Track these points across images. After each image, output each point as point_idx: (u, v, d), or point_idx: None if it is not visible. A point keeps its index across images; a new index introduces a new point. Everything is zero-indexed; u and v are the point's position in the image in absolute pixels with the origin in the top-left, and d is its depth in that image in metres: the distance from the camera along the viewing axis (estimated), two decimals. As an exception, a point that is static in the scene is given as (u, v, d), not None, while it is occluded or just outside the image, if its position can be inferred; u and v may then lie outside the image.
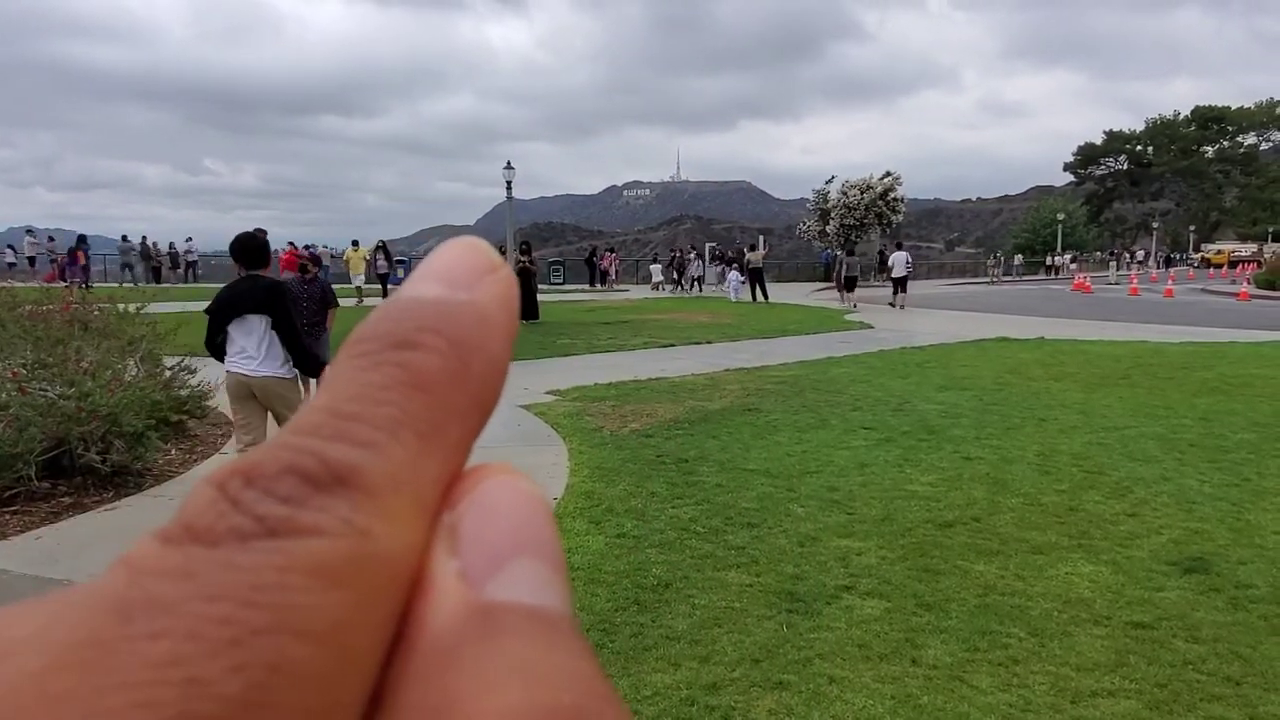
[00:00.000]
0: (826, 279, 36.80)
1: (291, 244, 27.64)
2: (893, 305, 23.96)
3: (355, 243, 26.05)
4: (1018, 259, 59.18)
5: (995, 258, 51.95)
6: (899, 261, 24.79)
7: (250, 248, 5.40)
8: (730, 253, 38.30)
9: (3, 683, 0.14)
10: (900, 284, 24.50)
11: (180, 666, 0.14)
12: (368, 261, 25.44)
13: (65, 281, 23.07)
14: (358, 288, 23.74)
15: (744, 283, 27.14)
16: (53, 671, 0.14)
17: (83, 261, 30.27)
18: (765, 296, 26.45)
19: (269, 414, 5.48)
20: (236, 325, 5.25)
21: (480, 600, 0.18)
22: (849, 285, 25.35)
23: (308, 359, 5.44)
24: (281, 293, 5.36)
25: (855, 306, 23.84)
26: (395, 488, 0.18)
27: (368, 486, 0.17)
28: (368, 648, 0.17)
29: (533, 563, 0.19)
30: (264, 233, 8.80)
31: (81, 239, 31.54)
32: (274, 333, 5.24)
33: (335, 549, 0.16)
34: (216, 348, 5.37)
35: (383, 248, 27.41)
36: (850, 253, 29.21)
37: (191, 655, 0.15)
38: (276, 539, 0.16)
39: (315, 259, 9.94)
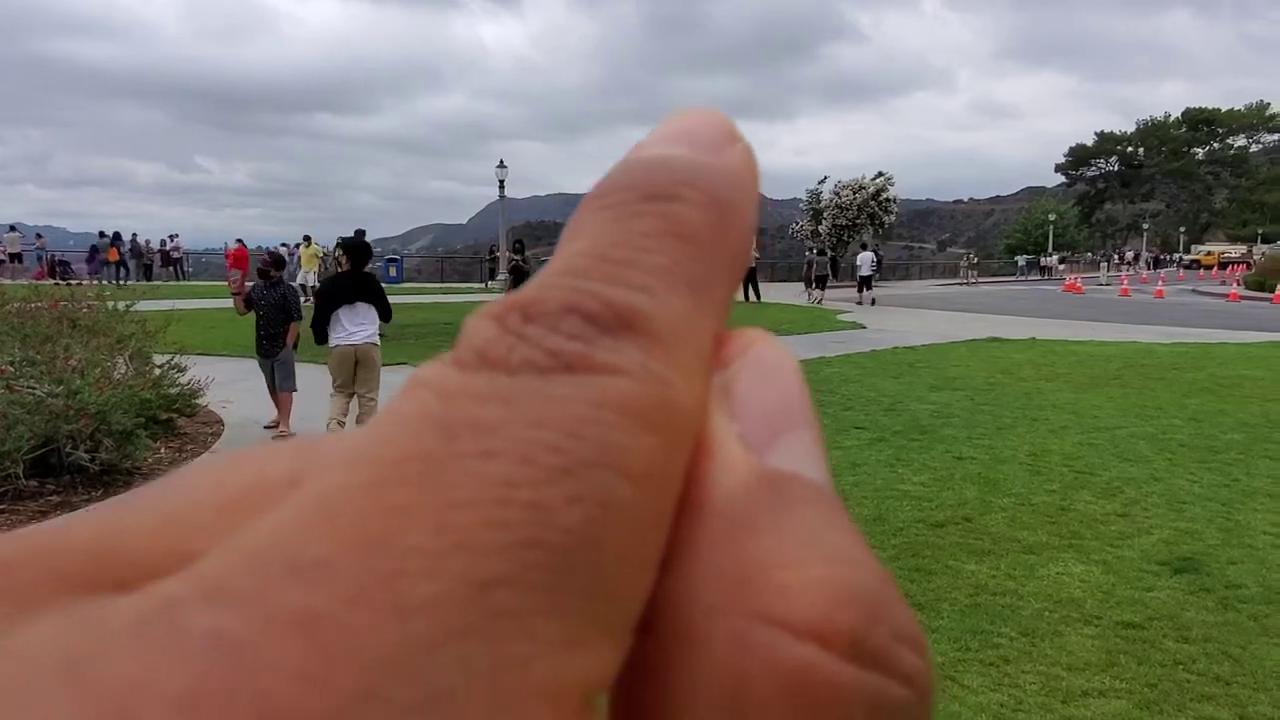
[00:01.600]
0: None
1: (240, 240, 27.41)
2: (859, 303, 25.46)
3: (307, 238, 25.28)
4: (1019, 259, 59.47)
5: (969, 259, 52.15)
6: (865, 261, 27.11)
7: (358, 248, 7.03)
8: None
9: (333, 492, 0.14)
10: (865, 282, 26.49)
11: (521, 489, 0.14)
12: (321, 259, 24.41)
13: (89, 279, 22.88)
14: (302, 285, 22.26)
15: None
16: (388, 484, 0.14)
17: (116, 258, 30.01)
18: (758, 296, 26.75)
19: (355, 377, 6.87)
20: (346, 309, 6.73)
21: (769, 468, 0.17)
22: (820, 283, 26.85)
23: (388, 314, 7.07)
24: (378, 283, 7.19)
25: (820, 303, 25.50)
26: (679, 337, 0.17)
27: (655, 333, 0.16)
28: (673, 499, 0.16)
29: (806, 434, 0.18)
30: (363, 232, 9.83)
31: (117, 236, 31.24)
32: (374, 311, 6.89)
33: (643, 392, 0.15)
34: (321, 327, 6.76)
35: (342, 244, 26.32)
36: (821, 253, 29.89)
37: (529, 479, 0.14)
38: (577, 374, 0.15)
39: (277, 260, 8.37)
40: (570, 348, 0.15)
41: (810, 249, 34.94)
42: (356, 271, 6.87)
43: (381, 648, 0.12)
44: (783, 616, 0.15)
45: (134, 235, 35.17)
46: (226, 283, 21.45)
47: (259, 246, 26.99)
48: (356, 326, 6.75)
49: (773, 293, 28.95)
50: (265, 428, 7.78)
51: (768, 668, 0.15)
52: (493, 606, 0.13)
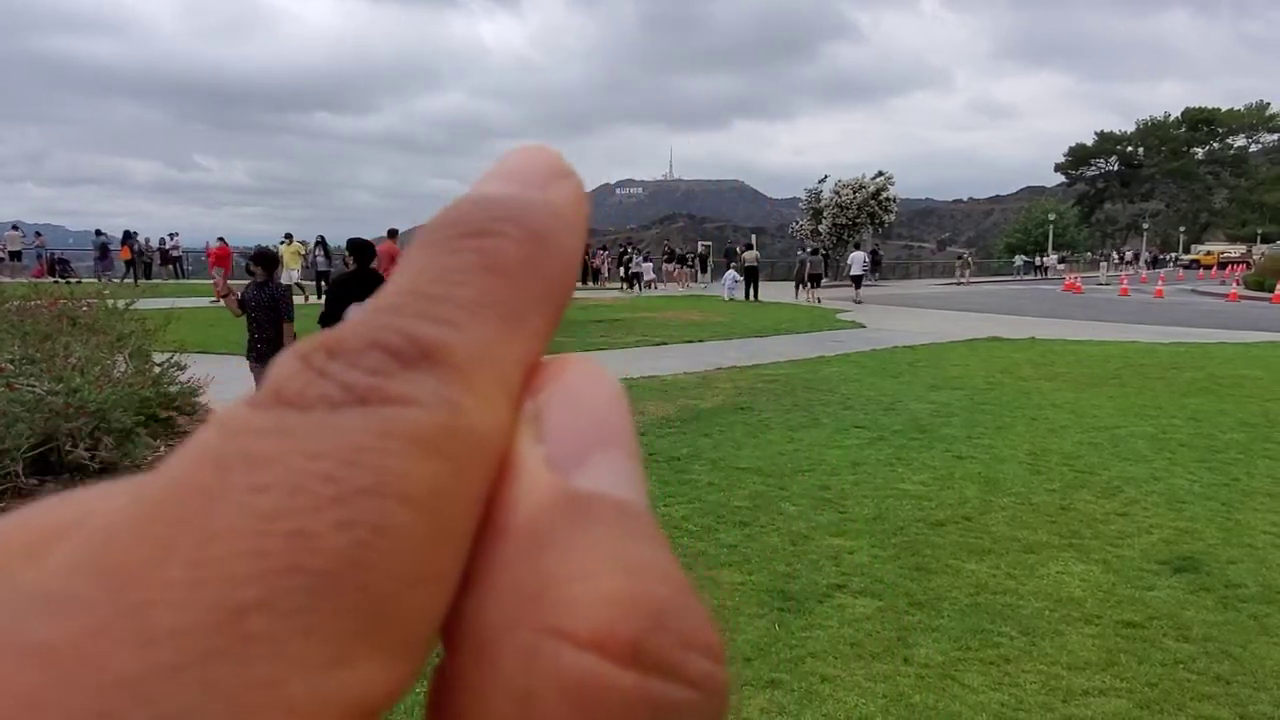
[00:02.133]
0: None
1: (221, 239, 27.20)
2: (857, 301, 26.27)
3: (288, 236, 25.11)
4: (1018, 259, 59.35)
5: (962, 258, 52.12)
6: (856, 261, 28.35)
7: (363, 246, 7.61)
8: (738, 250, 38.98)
9: (101, 528, 0.15)
10: (857, 281, 27.51)
11: (286, 519, 0.14)
12: (303, 257, 24.34)
13: (102, 278, 22.75)
14: (292, 284, 22.52)
15: (739, 281, 27.48)
16: (154, 519, 0.14)
17: (128, 256, 29.91)
18: (756, 295, 26.81)
19: None
20: (357, 305, 7.00)
21: (570, 487, 0.17)
22: (813, 282, 27.39)
23: None
24: (384, 279, 7.59)
25: (819, 301, 26.04)
26: (481, 365, 0.17)
27: (455, 362, 0.17)
28: (464, 521, 0.17)
29: (617, 454, 0.19)
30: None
31: (128, 235, 31.12)
32: None
33: (430, 419, 0.16)
34: (333, 321, 7.04)
35: (321, 242, 25.86)
36: (814, 252, 30.25)
37: (296, 509, 0.14)
38: (369, 407, 0.16)
39: (262, 258, 7.87)
40: (366, 381, 0.16)
41: (801, 248, 35.03)
42: (363, 269, 7.49)
43: (120, 673, 0.13)
44: (567, 628, 0.15)
45: (133, 233, 35.13)
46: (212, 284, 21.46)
47: (258, 246, 26.78)
48: None
49: (772, 292, 28.94)
50: None
51: (551, 678, 0.15)
52: (243, 631, 0.14)
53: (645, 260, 35.53)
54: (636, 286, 33.49)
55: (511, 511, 0.17)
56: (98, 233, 32.28)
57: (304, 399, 0.16)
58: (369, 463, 0.15)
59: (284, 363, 0.17)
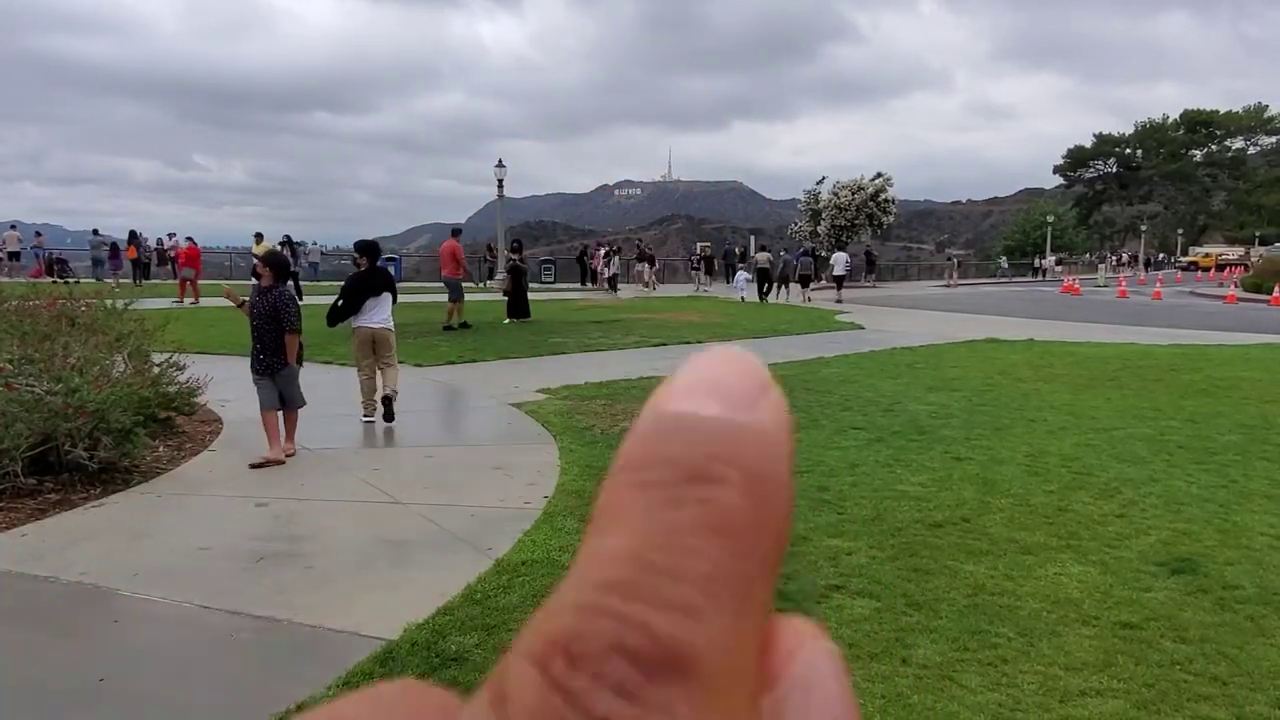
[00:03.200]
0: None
1: (190, 239, 27.00)
2: (838, 300, 26.95)
3: (259, 236, 24.90)
4: (1003, 261, 59.29)
5: (950, 260, 52.09)
6: (839, 261, 28.99)
7: (371, 247, 8.21)
8: (738, 251, 39.07)
9: None
10: (839, 281, 28.19)
11: None
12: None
13: (113, 277, 22.62)
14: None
15: (751, 280, 27.85)
16: None
17: (134, 256, 29.80)
18: (764, 296, 27.10)
19: (375, 355, 8.03)
20: (373, 299, 7.91)
21: None
22: (803, 282, 27.90)
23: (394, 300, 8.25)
24: (391, 276, 8.41)
25: (809, 300, 26.71)
26: (726, 672, 0.15)
27: (703, 672, 0.15)
28: None
29: None
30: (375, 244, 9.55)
31: (133, 235, 31.02)
32: (391, 301, 8.12)
33: None
34: (345, 316, 7.91)
35: (288, 243, 25.42)
36: (806, 253, 30.67)
37: None
38: None
39: (271, 261, 6.96)
40: (619, 711, 0.15)
41: (786, 248, 35.12)
42: (373, 267, 8.03)
43: None
44: None
45: (133, 232, 35.06)
46: (176, 283, 21.17)
47: (188, 240, 26.44)
48: (375, 313, 7.96)
49: (771, 292, 28.92)
50: (252, 466, 6.42)
51: None
52: None
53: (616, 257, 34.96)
54: (608, 287, 33.21)
55: None
56: (94, 232, 32.21)
57: None
58: None
59: (521, 674, 0.15)
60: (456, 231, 17.83)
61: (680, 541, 0.16)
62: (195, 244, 25.65)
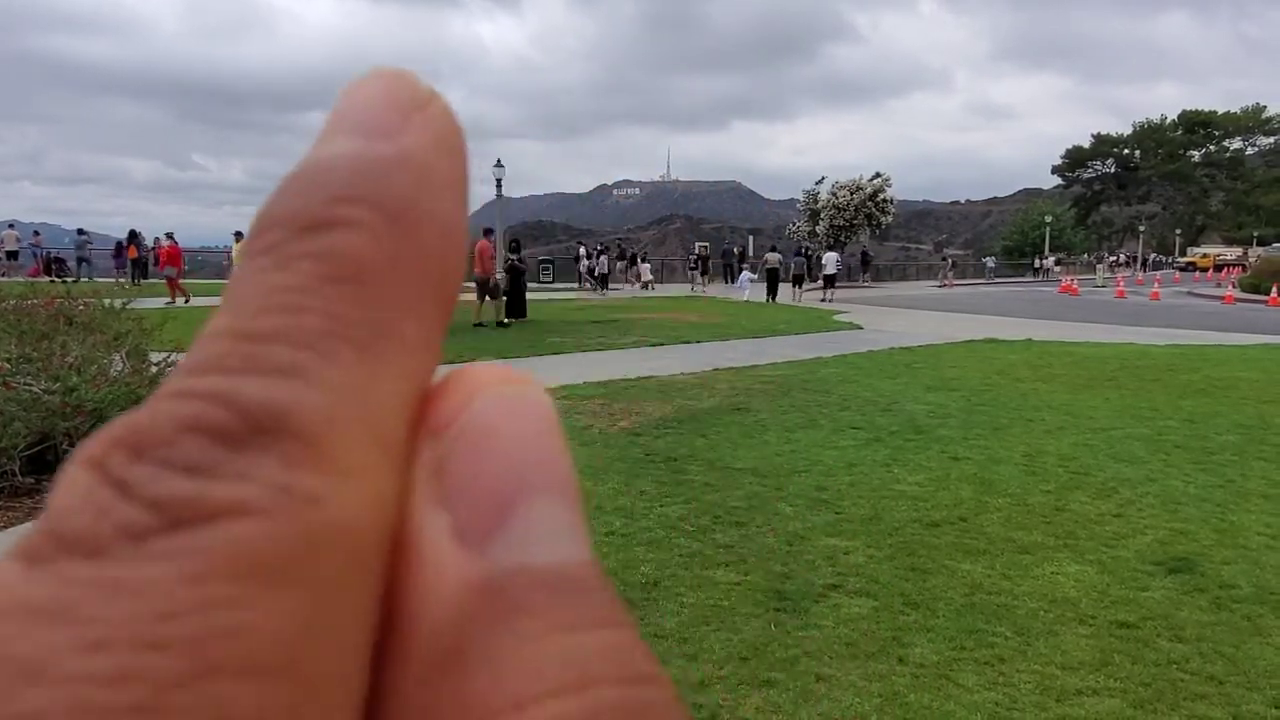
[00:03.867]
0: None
1: (170, 236, 26.90)
2: (827, 300, 27.52)
3: (239, 234, 24.65)
4: (990, 261, 59.20)
5: (945, 260, 52.10)
6: (830, 261, 29.46)
7: None
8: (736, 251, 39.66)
9: None
10: (830, 280, 28.72)
11: None
12: None
13: (116, 275, 22.51)
14: None
15: (754, 280, 28.38)
16: None
17: (135, 255, 29.75)
18: (774, 297, 27.30)
19: None
20: None
21: (485, 567, 0.14)
22: (796, 281, 28.51)
23: None
24: None
25: (800, 300, 27.30)
26: (341, 425, 0.13)
27: (301, 431, 0.13)
28: (341, 657, 0.13)
29: (546, 504, 0.15)
30: None
31: (133, 234, 30.95)
32: None
33: (269, 530, 0.12)
34: None
35: None
36: (798, 253, 31.06)
37: None
38: (183, 531, 0.12)
39: None
40: (181, 490, 0.12)
41: (773, 249, 35.32)
42: None
43: None
44: None
45: (132, 231, 35.02)
46: (166, 284, 21.06)
47: (168, 237, 26.32)
48: None
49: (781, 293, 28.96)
50: None
51: None
52: None
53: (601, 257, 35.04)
54: (601, 288, 33.21)
55: (415, 613, 0.13)
56: (80, 231, 32.11)
57: (95, 539, 0.12)
58: (182, 634, 0.11)
59: (71, 480, 0.13)
60: (488, 231, 18.33)
61: (284, 301, 0.14)
62: (176, 242, 25.56)
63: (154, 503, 0.12)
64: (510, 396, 0.15)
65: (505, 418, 0.15)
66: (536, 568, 0.14)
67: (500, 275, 17.53)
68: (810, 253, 34.14)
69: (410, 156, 0.15)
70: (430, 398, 0.15)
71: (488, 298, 16.54)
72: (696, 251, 38.38)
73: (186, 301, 20.14)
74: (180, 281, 21.89)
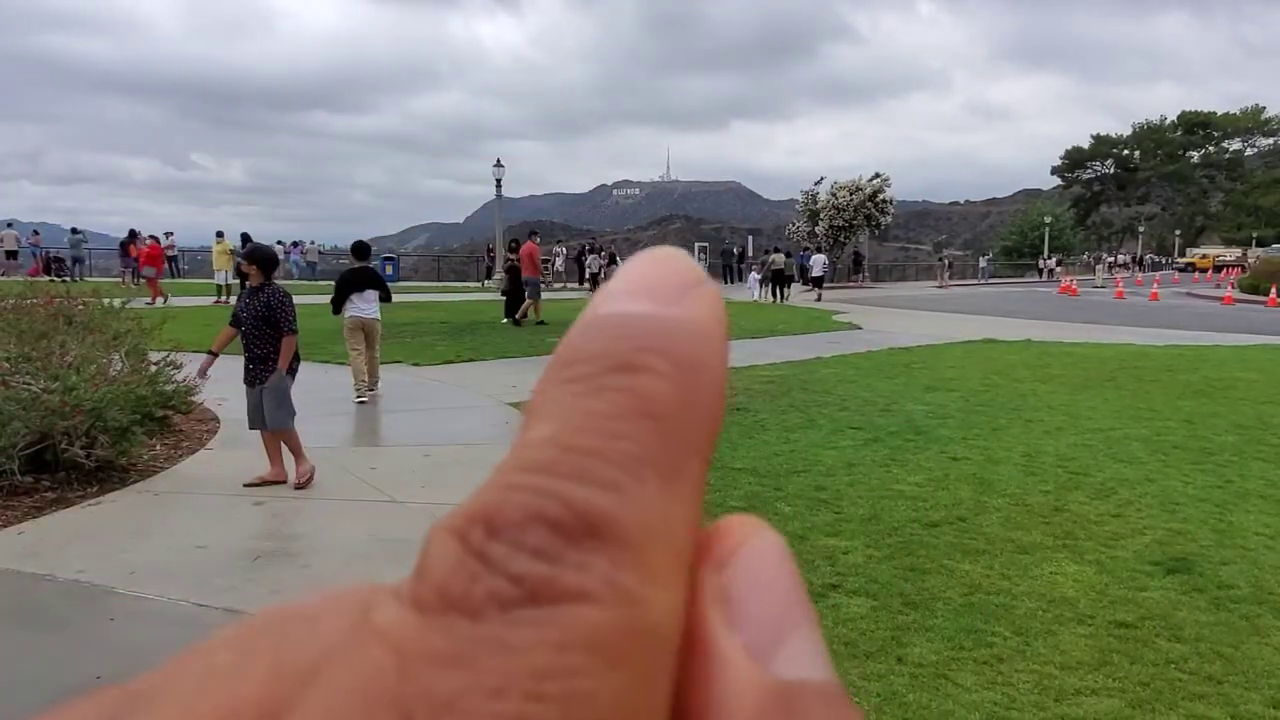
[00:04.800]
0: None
1: (153, 236, 26.77)
2: (817, 300, 28.22)
3: (220, 234, 24.59)
4: (982, 261, 58.98)
5: (942, 260, 51.96)
6: (817, 263, 31.08)
7: (362, 248, 9.38)
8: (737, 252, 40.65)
9: None
10: (818, 282, 30.04)
11: None
12: (233, 254, 22.70)
13: (122, 274, 22.36)
14: (219, 286, 22.22)
15: (760, 281, 28.99)
16: None
17: (134, 254, 29.65)
18: (782, 297, 27.74)
19: (365, 344, 9.09)
20: (358, 293, 9.02)
21: (776, 680, 0.16)
22: (785, 283, 29.03)
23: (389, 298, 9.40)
24: (377, 272, 9.50)
25: (787, 300, 27.72)
26: (652, 539, 0.16)
27: (624, 538, 0.15)
28: None
29: (809, 631, 0.18)
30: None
31: (133, 234, 30.83)
32: (378, 295, 9.20)
33: (610, 620, 0.14)
34: (339, 306, 9.09)
35: (245, 241, 24.09)
36: (788, 255, 31.66)
37: None
38: (541, 606, 0.14)
39: (256, 257, 6.07)
40: (535, 570, 0.15)
41: (767, 250, 35.50)
42: (363, 266, 9.11)
43: None
44: None
45: (133, 231, 34.94)
46: (145, 284, 20.89)
47: (150, 238, 26.18)
48: (366, 304, 9.05)
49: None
50: (247, 485, 5.89)
51: None
52: None
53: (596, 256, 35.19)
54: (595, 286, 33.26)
55: (717, 711, 0.16)
56: (74, 230, 32.04)
57: (472, 600, 0.15)
58: (554, 692, 0.14)
59: (441, 544, 0.16)
60: (534, 234, 18.80)
61: (603, 425, 0.16)
62: (158, 243, 25.38)
63: (516, 578, 0.15)
64: (771, 542, 0.19)
65: (771, 556, 0.18)
66: (813, 683, 0.16)
67: (500, 276, 17.56)
68: (790, 254, 34.59)
69: (696, 320, 0.18)
70: (709, 532, 0.18)
71: (533, 299, 17.23)
72: (694, 252, 38.73)
73: (165, 302, 19.80)
74: (158, 282, 21.73)
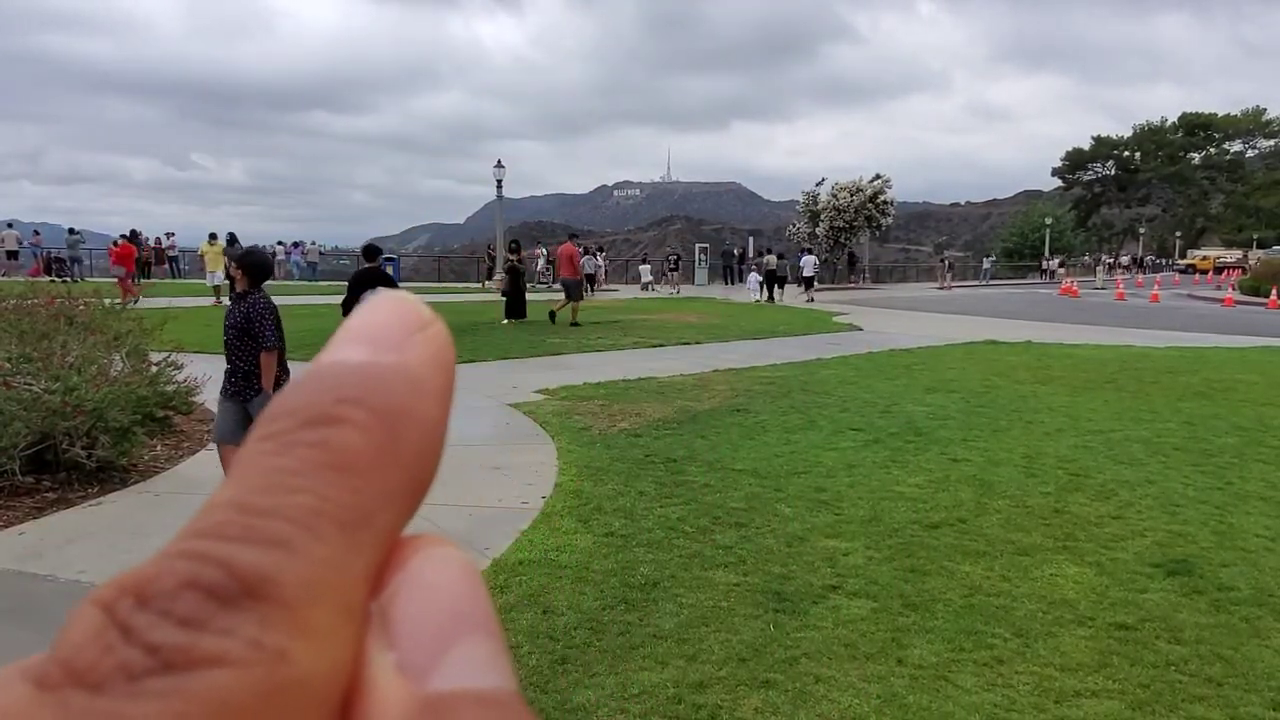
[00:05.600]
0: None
1: (125, 235, 26.63)
2: (809, 300, 28.32)
3: (212, 236, 24.42)
4: (985, 262, 58.83)
5: (943, 262, 51.87)
6: (808, 264, 31.27)
7: (372, 250, 9.65)
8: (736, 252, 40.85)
9: None
10: (809, 282, 30.26)
11: None
12: (224, 254, 22.36)
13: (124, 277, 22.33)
14: (214, 287, 21.91)
15: (760, 283, 29.28)
16: None
17: (135, 254, 29.56)
18: (773, 298, 28.17)
19: None
20: (369, 292, 9.53)
21: (426, 694, 0.16)
22: (779, 284, 29.41)
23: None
24: (386, 273, 9.62)
25: (776, 300, 27.97)
26: (315, 595, 0.16)
27: (282, 597, 0.15)
28: None
29: (476, 641, 0.17)
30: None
31: (134, 234, 30.75)
32: None
33: (244, 681, 0.14)
34: (347, 304, 8.80)
35: (232, 241, 24.55)
36: (781, 255, 32.00)
37: None
38: (172, 674, 0.14)
39: (246, 261, 5.34)
40: (174, 639, 0.14)
41: (762, 251, 35.66)
42: (373, 266, 9.37)
43: None
44: None
45: (133, 231, 34.99)
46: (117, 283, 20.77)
47: (121, 237, 26.13)
48: None
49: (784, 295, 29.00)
50: None
51: None
52: None
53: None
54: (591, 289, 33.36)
55: None
56: (71, 231, 32.02)
57: (97, 673, 0.14)
58: None
59: (83, 617, 0.15)
60: (574, 235, 19.11)
61: (284, 481, 0.16)
62: (130, 242, 25.24)
63: (151, 647, 0.14)
64: (437, 556, 0.18)
65: (436, 571, 0.18)
66: (472, 691, 0.16)
67: (500, 276, 17.64)
68: (783, 256, 34.90)
69: (406, 368, 0.18)
70: (387, 563, 0.18)
71: (572, 299, 17.49)
72: (692, 254, 39.15)
73: (135, 302, 19.62)
74: (129, 281, 21.58)
